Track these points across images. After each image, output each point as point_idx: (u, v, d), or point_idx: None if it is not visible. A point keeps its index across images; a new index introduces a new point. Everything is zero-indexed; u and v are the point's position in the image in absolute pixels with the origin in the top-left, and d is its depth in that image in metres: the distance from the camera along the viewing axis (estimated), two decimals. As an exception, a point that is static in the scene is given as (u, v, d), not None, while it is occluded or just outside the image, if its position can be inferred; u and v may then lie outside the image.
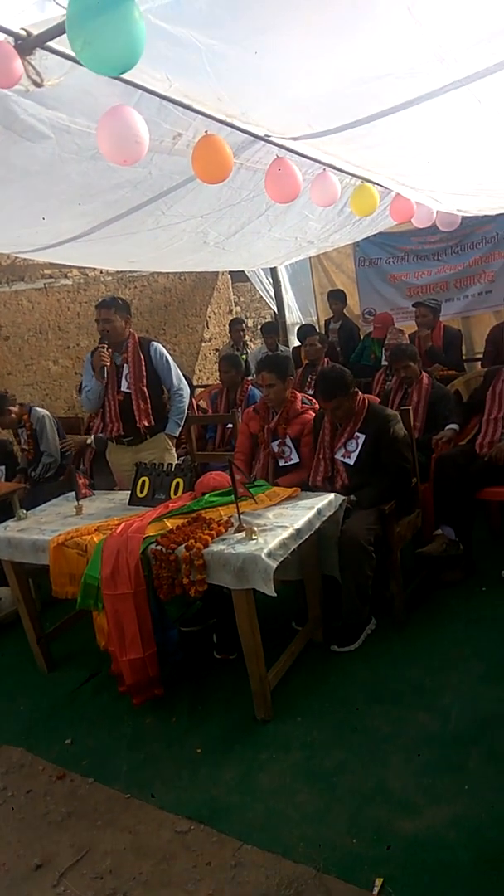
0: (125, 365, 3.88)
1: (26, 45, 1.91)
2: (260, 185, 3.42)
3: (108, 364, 3.82)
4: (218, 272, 8.19)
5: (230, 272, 8.46)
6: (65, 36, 1.71)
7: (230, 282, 8.61)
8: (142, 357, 3.88)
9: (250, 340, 8.33)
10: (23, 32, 1.89)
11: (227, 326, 7.82)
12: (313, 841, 2.08)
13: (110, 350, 3.84)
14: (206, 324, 8.22)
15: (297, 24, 1.94)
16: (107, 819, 2.32)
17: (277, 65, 2.14)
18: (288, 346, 7.48)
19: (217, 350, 7.99)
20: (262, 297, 9.25)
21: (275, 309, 8.21)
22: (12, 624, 3.82)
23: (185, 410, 4.07)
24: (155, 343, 4.03)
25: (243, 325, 7.55)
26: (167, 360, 3.99)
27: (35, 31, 1.91)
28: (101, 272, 6.65)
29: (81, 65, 2.05)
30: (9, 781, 2.59)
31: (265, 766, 2.46)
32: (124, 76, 2.23)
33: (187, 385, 4.15)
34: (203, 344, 8.02)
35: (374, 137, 2.72)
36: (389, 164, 3.40)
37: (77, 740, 2.79)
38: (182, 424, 4.09)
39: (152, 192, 3.46)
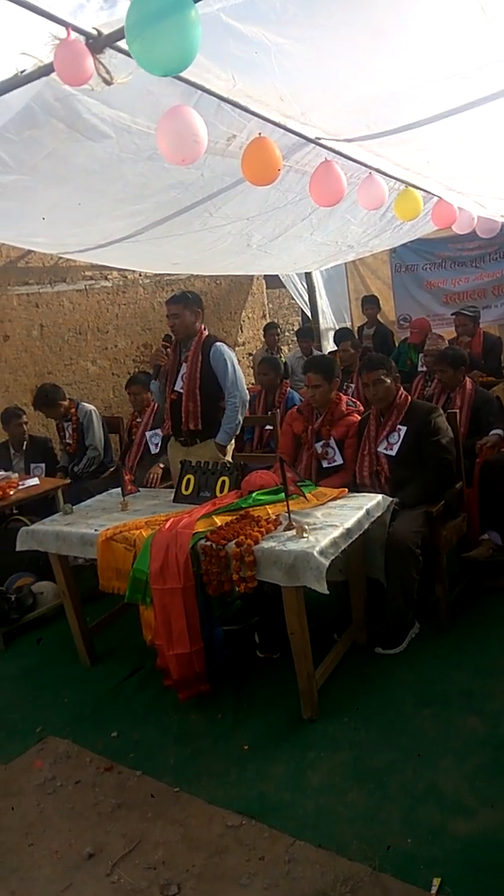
0: (184, 364, 3.79)
1: (97, 43, 1.95)
2: (306, 189, 3.44)
3: (164, 363, 3.82)
4: (254, 277, 8.23)
5: (265, 277, 8.50)
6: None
7: (265, 287, 8.65)
8: (200, 356, 3.76)
9: (283, 345, 8.36)
10: (94, 32, 1.93)
11: (262, 331, 7.85)
12: (367, 839, 2.07)
13: (170, 348, 3.84)
14: (241, 328, 8.26)
15: (366, 23, 1.96)
16: (156, 811, 2.33)
17: (343, 64, 2.16)
18: (321, 352, 7.49)
19: (251, 354, 8.02)
20: (291, 302, 9.29)
21: (308, 314, 8.23)
22: (53, 618, 3.87)
23: (238, 420, 3.84)
24: (219, 343, 3.82)
25: (278, 330, 7.57)
26: (226, 364, 3.77)
27: (105, 31, 1.95)
28: (140, 275, 6.72)
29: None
30: (57, 771, 2.62)
31: (314, 764, 2.45)
32: (187, 76, 2.28)
33: (246, 394, 3.88)
34: (237, 348, 8.05)
35: (430, 139, 2.74)
36: (440, 167, 3.40)
37: (123, 733, 2.80)
38: (233, 435, 3.88)
39: (203, 194, 3.51)
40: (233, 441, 4.00)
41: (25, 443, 4.85)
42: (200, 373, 3.75)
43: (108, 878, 2.07)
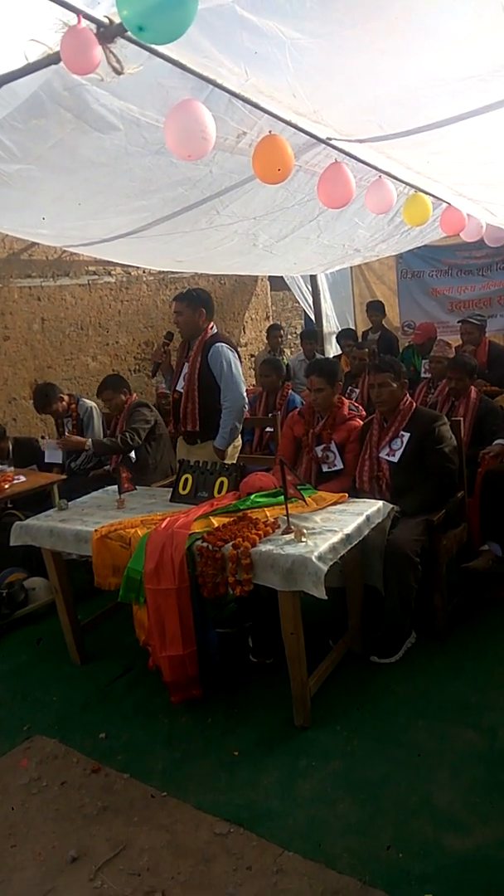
0: (186, 363, 3.74)
1: (108, 32, 1.91)
2: (314, 190, 3.41)
3: (161, 361, 3.79)
4: (258, 278, 8.20)
5: (269, 278, 8.47)
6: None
7: (269, 288, 8.62)
8: (200, 357, 3.69)
9: (286, 347, 8.32)
10: (106, 20, 1.89)
11: (265, 332, 7.82)
12: (357, 852, 2.03)
13: (169, 346, 3.82)
14: (243, 329, 8.23)
15: (384, 21, 1.92)
16: (143, 816, 2.28)
17: (359, 63, 2.12)
18: (324, 355, 7.45)
19: (253, 356, 7.98)
20: (294, 305, 9.25)
21: (312, 317, 8.19)
22: (45, 615, 3.82)
23: (234, 425, 3.75)
24: (218, 344, 3.71)
25: (281, 332, 7.53)
26: (224, 366, 3.67)
27: (117, 20, 1.91)
28: (144, 271, 6.68)
29: (158, 55, 2.08)
30: (43, 771, 2.57)
31: (305, 773, 2.41)
32: (198, 69, 2.24)
33: (244, 399, 3.76)
34: (239, 349, 8.02)
35: (444, 142, 2.70)
36: (451, 172, 3.37)
37: (111, 735, 2.75)
38: (231, 439, 3.79)
39: (210, 191, 3.47)
40: (238, 444, 3.93)
41: (11, 452, 4.78)
42: (199, 373, 3.68)
43: (92, 883, 2.03)
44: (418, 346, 6.16)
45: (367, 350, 5.60)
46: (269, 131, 2.67)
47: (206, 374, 3.68)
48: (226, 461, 3.68)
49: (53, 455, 4.62)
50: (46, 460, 4.66)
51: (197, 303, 3.73)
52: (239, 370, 3.75)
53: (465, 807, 2.16)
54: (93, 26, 1.87)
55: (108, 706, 2.97)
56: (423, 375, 5.54)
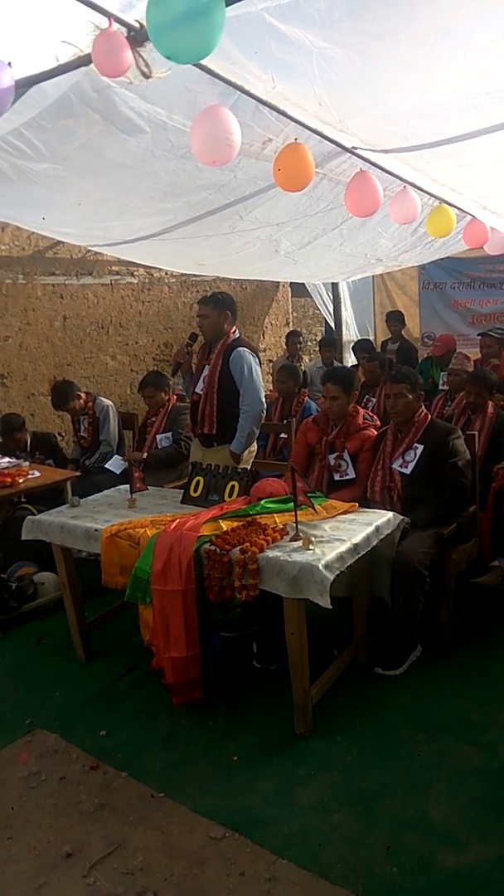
0: (207, 366, 3.76)
1: (139, 36, 1.93)
2: (339, 198, 3.42)
3: (182, 362, 3.81)
4: (279, 284, 8.21)
5: (291, 285, 8.48)
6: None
7: (290, 294, 8.62)
8: (221, 360, 3.69)
9: (304, 354, 8.32)
10: (136, 24, 1.91)
11: (284, 338, 7.82)
12: (351, 864, 2.01)
13: (191, 348, 3.85)
14: (263, 334, 8.24)
15: (412, 33, 1.93)
16: (139, 815, 2.29)
17: (385, 73, 2.13)
18: (342, 363, 7.44)
19: (271, 361, 7.99)
20: (315, 312, 9.25)
21: (332, 325, 8.19)
22: (52, 610, 3.85)
23: (252, 429, 3.72)
24: (240, 349, 3.70)
25: (300, 338, 7.54)
26: (244, 370, 3.66)
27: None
28: (166, 273, 6.72)
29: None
30: (42, 765, 2.58)
31: (303, 781, 2.40)
32: (226, 75, 2.26)
33: (263, 405, 3.75)
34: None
35: (469, 155, 2.70)
36: (476, 185, 3.36)
37: (112, 733, 2.76)
38: (247, 444, 3.77)
39: (234, 196, 3.49)
40: (253, 449, 3.93)
41: (29, 445, 4.83)
42: (220, 376, 3.69)
43: (85, 880, 2.03)
44: (437, 357, 6.13)
45: (376, 362, 5.58)
46: (295, 139, 2.68)
47: (226, 378, 3.68)
48: (240, 466, 3.69)
49: (117, 467, 4.70)
50: (113, 469, 4.70)
51: (223, 306, 3.74)
52: (259, 375, 3.76)
53: (462, 823, 2.14)
54: (123, 30, 1.90)
55: (111, 704, 2.98)
56: (440, 387, 5.53)
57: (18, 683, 3.21)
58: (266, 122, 2.66)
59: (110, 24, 1.83)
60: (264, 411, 3.83)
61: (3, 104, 1.95)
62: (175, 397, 4.83)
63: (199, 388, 3.78)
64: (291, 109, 2.50)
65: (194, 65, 2.08)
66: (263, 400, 3.78)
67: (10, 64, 1.93)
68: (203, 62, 2.08)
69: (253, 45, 2.03)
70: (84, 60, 2.03)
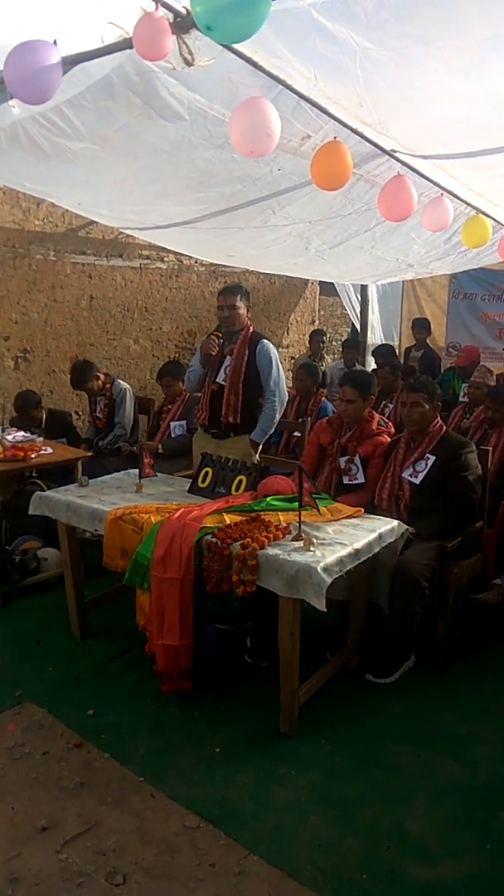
0: (228, 357, 3.79)
1: (184, 23, 1.93)
2: (374, 200, 3.38)
3: (214, 353, 3.81)
4: (308, 281, 8.18)
5: (319, 283, 8.44)
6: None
7: (318, 293, 8.59)
8: (247, 352, 3.77)
9: (327, 354, 8.28)
10: (183, 11, 1.90)
11: (308, 336, 7.80)
12: (322, 867, 2.02)
13: (221, 339, 3.82)
14: (287, 330, 8.22)
15: (459, 40, 1.91)
16: (117, 797, 2.31)
17: (429, 78, 2.11)
18: (364, 367, 7.40)
19: (293, 358, 7.97)
20: (342, 313, 9.19)
21: (358, 327, 8.14)
22: (53, 586, 3.88)
23: (275, 419, 3.88)
24: (265, 341, 3.85)
25: (324, 338, 7.51)
26: (270, 362, 3.80)
27: (195, 12, 1.92)
28: (196, 261, 6.71)
29: (231, 51, 2.08)
30: (28, 738, 2.61)
31: (282, 780, 2.41)
32: (269, 68, 2.25)
33: (285, 394, 3.92)
34: (280, 350, 8.01)
35: (508, 167, 2.66)
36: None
37: (99, 713, 2.79)
38: (269, 433, 3.91)
39: (268, 190, 3.47)
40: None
41: (44, 422, 4.85)
42: (246, 368, 3.75)
43: (57, 855, 2.06)
44: (460, 368, 6.07)
45: (388, 368, 5.53)
46: (335, 137, 2.66)
47: (252, 369, 3.77)
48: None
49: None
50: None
51: (248, 298, 3.86)
52: (281, 368, 3.88)
53: (436, 838, 2.14)
54: (170, 15, 1.89)
55: (100, 684, 3.00)
56: (461, 399, 5.48)
57: (13, 655, 3.25)
58: (306, 119, 2.64)
59: (157, 8, 1.83)
60: (286, 402, 3.94)
61: (51, 83, 1.95)
62: None
63: (221, 379, 3.79)
64: (332, 107, 2.47)
65: (238, 56, 2.07)
66: (286, 392, 3.91)
67: (55, 42, 1.94)
68: (246, 54, 2.07)
69: (297, 41, 2.02)
70: (128, 43, 2.01)
